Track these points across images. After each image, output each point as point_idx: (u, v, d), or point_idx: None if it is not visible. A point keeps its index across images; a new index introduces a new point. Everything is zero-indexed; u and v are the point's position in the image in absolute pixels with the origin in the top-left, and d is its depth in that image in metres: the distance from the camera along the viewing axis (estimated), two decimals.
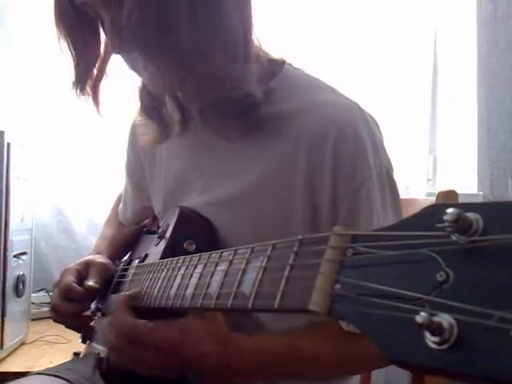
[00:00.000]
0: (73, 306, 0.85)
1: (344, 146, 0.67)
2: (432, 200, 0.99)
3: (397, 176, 0.74)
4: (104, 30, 0.70)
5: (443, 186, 1.76)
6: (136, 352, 0.60)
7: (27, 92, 1.83)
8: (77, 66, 0.73)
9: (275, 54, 0.76)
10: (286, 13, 1.80)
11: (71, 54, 0.72)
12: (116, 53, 0.70)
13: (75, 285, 0.85)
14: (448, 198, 0.99)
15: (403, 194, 0.83)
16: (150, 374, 0.62)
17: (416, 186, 1.88)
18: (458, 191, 0.99)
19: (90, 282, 0.85)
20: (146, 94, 0.79)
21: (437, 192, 0.99)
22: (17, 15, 1.82)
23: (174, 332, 0.59)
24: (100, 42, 0.74)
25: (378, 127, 0.73)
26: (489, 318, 0.21)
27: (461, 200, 1.01)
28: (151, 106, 0.80)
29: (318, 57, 1.80)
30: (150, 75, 0.70)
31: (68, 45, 0.72)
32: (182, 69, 0.65)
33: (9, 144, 1.39)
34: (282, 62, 0.76)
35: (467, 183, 1.86)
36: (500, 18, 1.80)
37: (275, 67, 0.75)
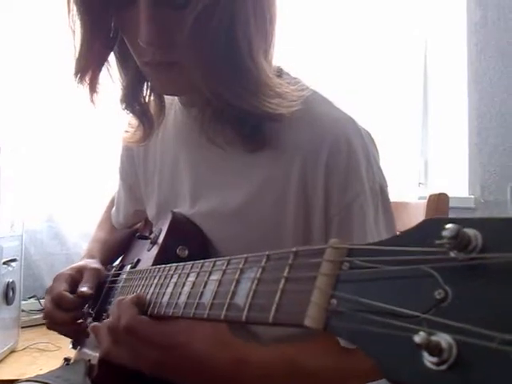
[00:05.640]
0: (65, 314, 0.84)
1: (337, 160, 0.66)
2: (424, 203, 0.99)
3: (388, 180, 0.73)
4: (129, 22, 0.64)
5: (435, 189, 1.77)
6: (136, 347, 0.58)
7: (19, 97, 1.81)
8: (85, 48, 0.68)
9: (274, 61, 0.75)
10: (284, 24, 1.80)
11: (82, 33, 0.67)
12: (152, 48, 0.63)
13: (66, 293, 0.84)
14: (439, 200, 0.99)
15: (396, 197, 0.83)
16: (148, 372, 0.60)
17: (408, 189, 1.89)
18: (450, 194, 0.99)
19: (84, 288, 0.85)
20: (131, 89, 0.76)
21: (428, 195, 0.99)
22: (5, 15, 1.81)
23: (177, 330, 0.57)
24: (111, 28, 0.69)
25: (374, 143, 0.73)
26: (490, 339, 0.21)
27: (452, 203, 1.01)
28: (135, 100, 0.77)
29: (310, 63, 1.80)
30: (181, 80, 0.66)
31: (81, 22, 0.66)
32: (233, 77, 0.63)
33: None
34: (280, 71, 0.75)
35: (458, 186, 1.87)
36: (490, 23, 1.82)
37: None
